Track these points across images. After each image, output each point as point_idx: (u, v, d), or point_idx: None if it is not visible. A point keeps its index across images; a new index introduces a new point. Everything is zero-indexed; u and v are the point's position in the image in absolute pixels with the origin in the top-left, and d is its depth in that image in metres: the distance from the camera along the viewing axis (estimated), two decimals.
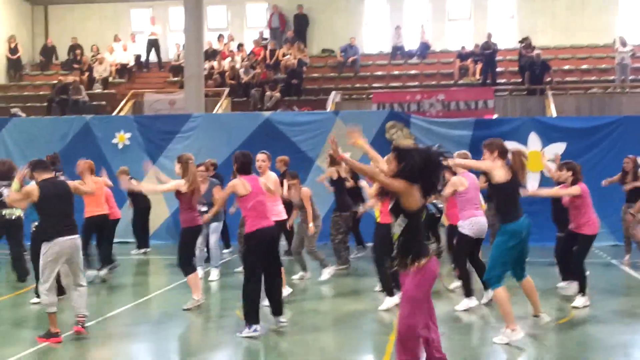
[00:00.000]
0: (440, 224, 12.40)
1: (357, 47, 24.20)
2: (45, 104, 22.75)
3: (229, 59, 23.93)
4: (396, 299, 8.77)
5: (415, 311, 5.44)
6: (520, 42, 22.37)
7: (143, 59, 25.74)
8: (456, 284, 10.02)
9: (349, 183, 12.14)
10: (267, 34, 25.68)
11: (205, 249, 11.96)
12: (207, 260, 12.09)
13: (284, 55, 23.79)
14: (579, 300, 9.20)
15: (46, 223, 7.84)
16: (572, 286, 9.83)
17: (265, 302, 8.50)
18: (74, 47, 25.94)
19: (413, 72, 23.66)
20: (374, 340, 8.05)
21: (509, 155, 7.57)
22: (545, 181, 13.94)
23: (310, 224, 11.13)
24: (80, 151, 14.68)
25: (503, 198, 7.55)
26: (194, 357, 7.46)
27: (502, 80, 22.34)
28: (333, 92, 21.43)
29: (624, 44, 21.24)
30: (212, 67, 23.49)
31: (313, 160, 16.08)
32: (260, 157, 9.90)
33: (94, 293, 10.35)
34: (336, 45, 24.76)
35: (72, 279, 8.04)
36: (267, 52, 24.18)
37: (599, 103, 20.12)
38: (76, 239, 7.82)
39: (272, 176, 9.82)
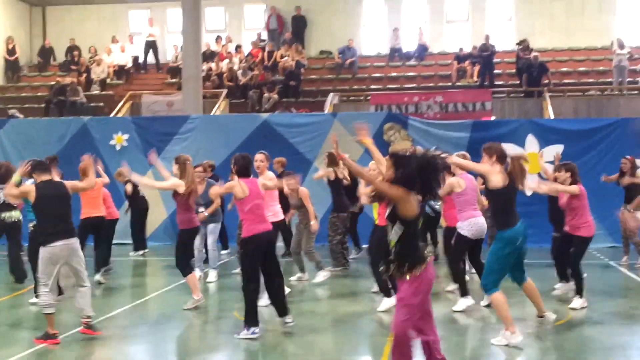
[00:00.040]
0: (439, 226, 12.41)
1: (355, 49, 24.21)
2: (43, 105, 22.74)
3: (226, 60, 23.94)
4: (393, 300, 8.76)
5: (410, 317, 5.45)
6: (518, 44, 22.41)
7: (141, 60, 25.75)
8: (454, 285, 10.03)
9: (346, 181, 12.15)
10: (265, 35, 25.69)
11: (204, 250, 11.96)
12: (206, 261, 12.09)
13: (281, 56, 23.80)
14: (577, 302, 9.21)
15: (42, 225, 7.84)
16: (565, 286, 9.86)
17: (261, 303, 8.52)
18: (72, 49, 25.95)
19: (411, 73, 23.69)
20: (373, 341, 8.04)
21: (508, 160, 7.57)
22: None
23: (313, 222, 11.14)
24: (78, 152, 14.45)
25: (499, 204, 7.54)
26: (192, 359, 7.46)
27: (500, 83, 22.37)
28: (331, 94, 21.42)
29: (621, 46, 21.27)
30: (210, 69, 23.50)
31: (311, 162, 16.08)
32: (259, 158, 9.94)
33: (92, 294, 10.32)
34: (334, 47, 24.77)
35: (73, 280, 8.04)
36: (265, 54, 24.19)
37: (597, 105, 20.16)
38: (72, 243, 7.78)
39: (270, 175, 9.86)
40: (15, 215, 11.01)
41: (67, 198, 7.92)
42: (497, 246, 7.43)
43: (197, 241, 11.25)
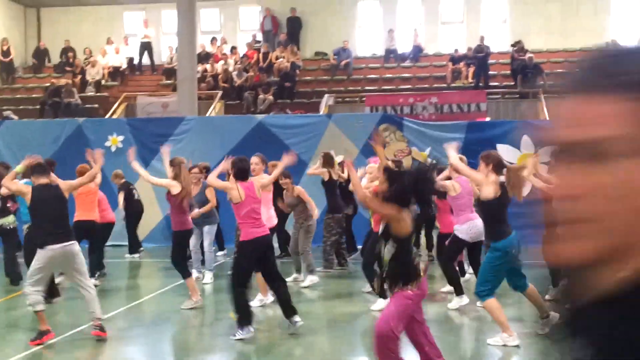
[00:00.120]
0: (435, 226, 12.42)
1: (350, 50, 24.23)
2: (37, 106, 22.68)
3: (222, 61, 23.93)
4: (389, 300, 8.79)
5: (401, 317, 5.45)
6: (513, 45, 22.45)
7: (136, 61, 25.71)
8: (449, 287, 10.04)
9: (341, 179, 12.17)
10: (260, 37, 25.69)
11: (200, 252, 11.95)
12: (203, 262, 12.08)
13: (277, 58, 23.80)
14: None
15: (38, 228, 7.85)
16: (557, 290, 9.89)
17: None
18: (67, 50, 25.90)
19: (406, 75, 23.71)
20: (369, 341, 8.04)
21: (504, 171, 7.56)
22: None
23: (315, 210, 11.18)
24: (73, 154, 14.63)
25: (488, 214, 7.56)
26: (188, 359, 7.46)
27: (495, 84, 22.41)
28: (326, 95, 21.44)
29: None
30: (205, 70, 23.49)
31: (306, 163, 16.04)
32: (254, 160, 9.95)
33: None
34: (329, 48, 24.78)
35: (75, 279, 8.01)
36: (260, 55, 24.19)
37: None
38: (69, 246, 7.75)
39: (265, 177, 9.88)
40: (10, 220, 11.05)
41: (63, 201, 7.91)
42: (491, 255, 7.42)
43: (193, 242, 11.25)
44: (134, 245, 15.00)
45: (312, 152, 16.00)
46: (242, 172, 8.14)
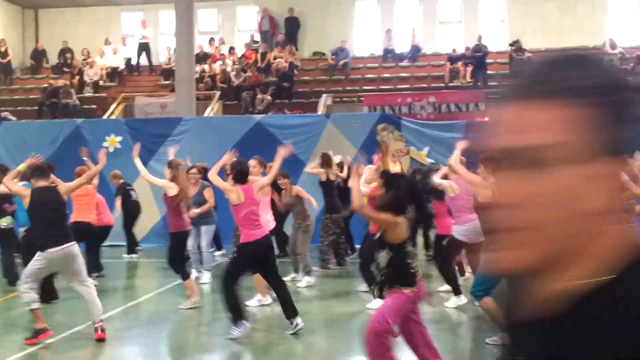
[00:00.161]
0: (432, 226, 12.41)
1: (348, 50, 24.22)
2: (35, 107, 22.67)
3: (220, 62, 23.92)
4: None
5: (398, 313, 5.45)
6: (511, 45, 22.46)
7: (134, 62, 25.69)
8: (447, 287, 10.05)
9: (339, 178, 12.18)
10: (258, 37, 25.69)
11: (199, 252, 11.95)
12: (202, 262, 12.08)
13: (275, 58, 23.79)
14: None
15: (37, 231, 7.85)
16: None
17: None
18: (65, 51, 25.88)
19: (404, 74, 23.70)
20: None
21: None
22: None
23: (314, 203, 11.27)
24: (71, 155, 14.60)
25: (485, 217, 7.56)
26: (185, 359, 7.45)
27: (494, 83, 22.39)
28: (324, 95, 21.42)
29: (613, 46, 21.35)
30: (203, 71, 23.47)
31: (304, 163, 16.02)
32: (252, 163, 10.02)
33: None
34: (327, 48, 24.77)
35: (72, 280, 8.00)
36: (258, 55, 24.19)
37: None
38: (69, 247, 7.73)
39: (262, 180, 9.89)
40: (7, 221, 11.05)
41: (62, 204, 7.90)
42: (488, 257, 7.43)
43: (191, 243, 11.25)
44: (132, 245, 14.99)
45: (310, 152, 15.99)
46: (241, 175, 8.16)
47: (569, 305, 1.04)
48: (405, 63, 24.38)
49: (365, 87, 22.95)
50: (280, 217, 12.32)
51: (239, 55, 24.50)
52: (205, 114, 20.30)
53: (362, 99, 20.37)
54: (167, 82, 23.78)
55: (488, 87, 21.55)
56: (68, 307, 9.59)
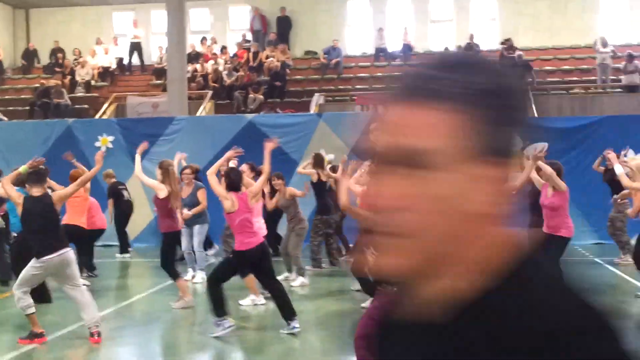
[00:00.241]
0: None
1: (340, 49, 24.23)
2: (27, 107, 22.61)
3: (212, 61, 23.90)
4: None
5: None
6: (502, 43, 22.51)
7: (126, 62, 25.64)
8: None
9: (331, 179, 12.20)
10: (250, 36, 25.67)
11: (192, 252, 11.95)
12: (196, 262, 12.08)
13: (267, 57, 23.79)
14: None
15: (30, 239, 7.82)
16: None
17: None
18: (56, 51, 25.81)
19: (396, 73, 23.61)
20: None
21: None
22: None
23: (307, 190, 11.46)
24: (63, 155, 14.62)
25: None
26: (178, 359, 7.45)
27: None
28: (316, 94, 21.43)
29: (604, 44, 21.41)
30: (195, 70, 23.44)
31: (296, 162, 16.05)
32: (244, 168, 10.09)
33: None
34: (319, 47, 24.77)
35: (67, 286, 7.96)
36: (250, 55, 24.17)
37: (581, 103, 20.27)
38: (65, 254, 7.68)
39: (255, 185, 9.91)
40: None
41: (54, 212, 7.85)
42: None
43: (185, 243, 11.26)
44: (124, 245, 14.99)
45: (302, 151, 16.02)
46: (235, 184, 8.23)
47: (445, 311, 1.03)
48: (397, 62, 24.40)
49: (357, 86, 22.98)
50: (274, 217, 12.35)
51: (231, 55, 24.48)
52: (198, 114, 20.29)
53: (354, 98, 20.38)
54: (159, 81, 23.74)
55: None
56: (61, 307, 9.57)
